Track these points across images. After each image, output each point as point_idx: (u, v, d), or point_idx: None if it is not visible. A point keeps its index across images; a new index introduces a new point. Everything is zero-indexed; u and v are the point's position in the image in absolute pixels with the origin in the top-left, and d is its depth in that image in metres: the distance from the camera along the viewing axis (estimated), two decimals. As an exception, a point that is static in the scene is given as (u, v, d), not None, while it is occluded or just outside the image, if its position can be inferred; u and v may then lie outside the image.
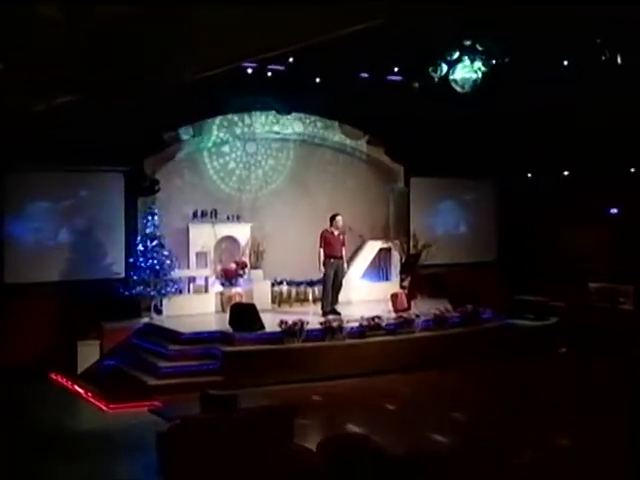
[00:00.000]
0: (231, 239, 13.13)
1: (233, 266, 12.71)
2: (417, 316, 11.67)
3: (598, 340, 12.26)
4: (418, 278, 13.00)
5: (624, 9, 8.93)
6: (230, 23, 5.57)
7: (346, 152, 14.57)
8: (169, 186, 12.84)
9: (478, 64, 11.10)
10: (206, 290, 12.66)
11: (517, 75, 11.72)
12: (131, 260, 11.87)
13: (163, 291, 11.82)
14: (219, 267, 12.84)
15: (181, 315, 11.85)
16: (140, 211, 12.29)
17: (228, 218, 13.12)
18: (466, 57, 11.06)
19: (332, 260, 12.02)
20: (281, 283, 13.26)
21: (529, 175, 15.62)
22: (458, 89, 11.22)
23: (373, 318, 11.18)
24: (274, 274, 13.17)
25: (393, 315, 11.72)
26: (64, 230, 12.01)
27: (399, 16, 6.64)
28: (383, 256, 14.34)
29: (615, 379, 10.20)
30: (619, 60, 10.68)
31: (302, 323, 10.62)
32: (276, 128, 13.65)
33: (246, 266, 12.81)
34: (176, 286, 12.09)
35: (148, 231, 11.83)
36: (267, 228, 13.34)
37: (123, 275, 12.09)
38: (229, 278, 12.62)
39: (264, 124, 13.54)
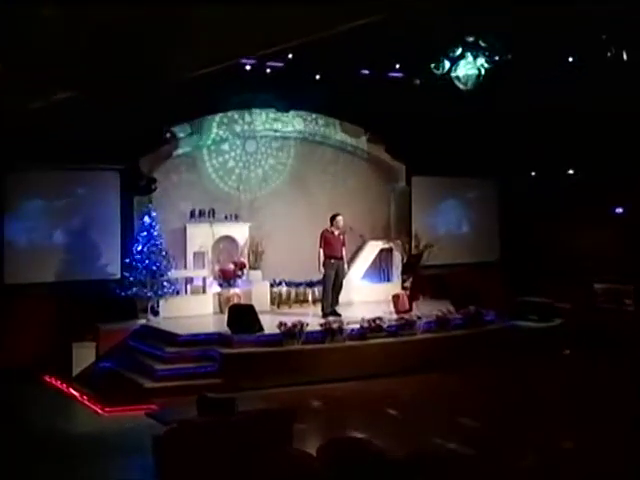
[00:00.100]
0: (229, 239, 13.13)
1: (231, 266, 12.70)
2: (419, 318, 11.66)
3: (603, 342, 12.25)
4: (420, 279, 13.00)
5: (629, 5, 8.93)
6: (229, 20, 5.58)
7: (346, 150, 14.57)
8: (166, 185, 12.83)
9: (481, 61, 11.08)
10: (204, 291, 12.66)
11: (521, 72, 11.70)
12: (127, 260, 11.86)
13: (160, 292, 11.80)
14: (217, 267, 12.83)
15: (178, 316, 11.84)
16: (136, 210, 12.29)
17: (226, 217, 13.12)
18: (469, 53, 11.04)
19: (332, 260, 12.02)
20: (280, 284, 13.25)
21: (533, 174, 15.62)
22: (460, 86, 11.20)
23: (374, 320, 11.17)
24: (273, 275, 13.16)
25: (394, 316, 11.72)
26: (59, 230, 12.01)
27: (400, 12, 6.64)
28: (384, 256, 14.35)
29: (620, 381, 10.21)
30: (625, 57, 10.67)
31: (302, 325, 10.61)
32: (276, 126, 13.65)
33: (244, 266, 12.80)
34: (173, 287, 12.08)
35: (145, 231, 11.81)
36: (266, 228, 13.33)
37: (119, 276, 12.09)
38: (227, 279, 12.62)
39: (264, 122, 13.54)
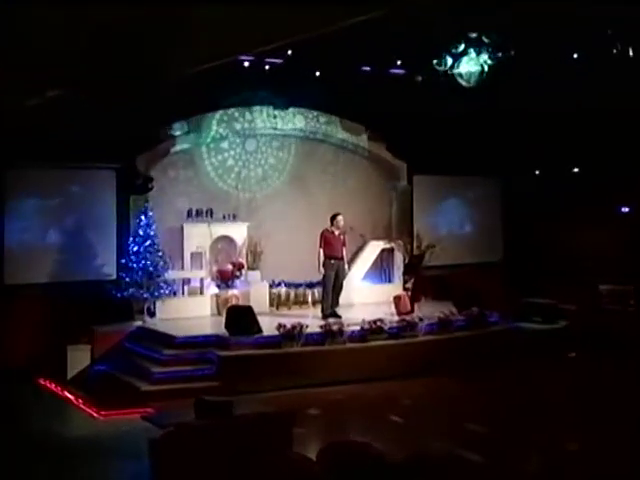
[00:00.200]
0: (227, 239, 13.14)
1: (229, 267, 12.71)
2: (421, 319, 11.67)
3: (609, 344, 12.26)
4: (422, 280, 13.00)
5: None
6: (228, 16, 5.59)
7: (347, 149, 14.59)
8: (163, 184, 12.84)
9: (484, 57, 11.09)
10: (201, 292, 12.66)
11: (524, 69, 11.71)
12: (123, 261, 11.87)
13: (156, 293, 11.81)
14: (215, 268, 12.84)
15: (175, 318, 11.85)
16: (132, 210, 12.29)
17: (224, 217, 13.12)
18: (471, 50, 11.05)
19: (332, 261, 12.03)
20: (279, 285, 13.26)
21: (537, 172, 15.63)
22: (463, 83, 11.22)
23: (375, 321, 11.18)
24: (272, 275, 13.17)
25: (396, 318, 11.72)
26: (53, 230, 12.02)
27: (401, 8, 6.65)
28: (385, 257, 14.36)
29: (626, 384, 10.21)
30: (631, 53, 10.68)
31: (301, 326, 10.62)
32: (277, 124, 13.65)
33: (243, 267, 12.81)
34: (170, 288, 12.09)
35: (141, 231, 11.81)
36: (265, 227, 13.34)
37: (115, 276, 12.09)
38: (225, 280, 12.63)
39: (265, 120, 13.54)
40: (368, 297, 13.63)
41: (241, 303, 12.16)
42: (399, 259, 13.95)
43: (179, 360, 10.30)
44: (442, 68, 11.19)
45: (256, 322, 10.82)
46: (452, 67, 11.12)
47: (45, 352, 11.16)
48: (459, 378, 10.73)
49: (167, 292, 11.98)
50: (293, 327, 10.59)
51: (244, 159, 13.71)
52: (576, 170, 15.09)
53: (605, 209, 14.51)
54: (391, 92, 12.85)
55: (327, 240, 12.07)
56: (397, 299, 12.45)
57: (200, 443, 6.06)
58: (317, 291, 13.07)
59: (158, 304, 11.94)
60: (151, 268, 11.68)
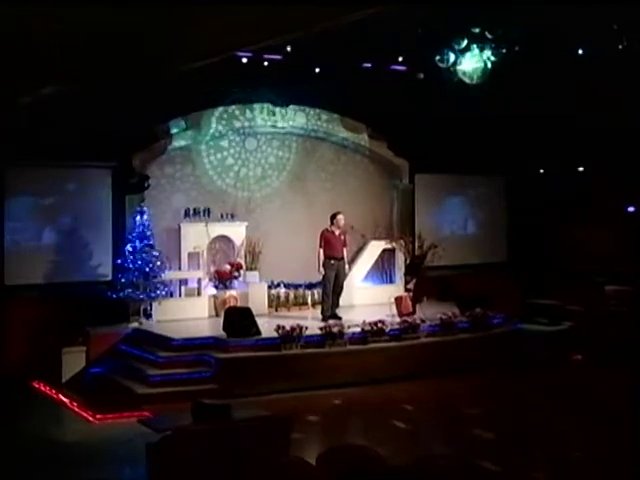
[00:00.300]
0: (225, 239, 13.14)
1: (227, 267, 12.71)
2: (423, 321, 11.67)
3: (615, 346, 12.25)
4: (424, 280, 13.00)
5: None
6: (225, 12, 5.59)
7: (348, 147, 14.60)
8: (159, 182, 12.85)
9: (487, 53, 11.09)
10: (199, 293, 12.66)
11: (528, 65, 11.72)
12: (119, 261, 11.87)
13: (153, 294, 11.81)
14: (212, 269, 12.85)
15: (172, 320, 11.85)
16: (128, 209, 12.29)
17: (222, 217, 13.13)
18: (474, 46, 11.05)
19: (333, 261, 12.03)
20: (278, 286, 13.26)
21: (541, 171, 15.62)
22: (466, 80, 11.21)
23: (376, 323, 11.18)
24: (271, 276, 13.16)
25: (397, 320, 11.71)
26: (47, 229, 12.02)
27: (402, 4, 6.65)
28: (387, 257, 14.36)
29: (632, 387, 10.21)
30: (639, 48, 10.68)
31: (300, 328, 10.62)
32: (278, 122, 13.64)
33: (241, 267, 12.81)
34: (167, 289, 12.10)
35: (137, 230, 11.81)
36: (264, 227, 13.34)
37: (110, 277, 12.10)
38: (223, 280, 12.63)
39: (266, 119, 13.54)
40: (369, 298, 13.63)
41: (239, 304, 12.16)
42: (400, 259, 13.96)
43: (176, 362, 10.30)
44: (444, 65, 11.18)
45: (255, 324, 10.82)
46: (455, 64, 11.12)
47: (39, 354, 11.16)
48: (461, 381, 10.73)
49: (164, 293, 11.98)
50: (292, 329, 10.59)
51: (244, 158, 13.71)
52: (581, 169, 15.08)
53: (611, 209, 14.51)
54: (392, 89, 12.86)
55: (327, 240, 12.06)
56: (398, 300, 12.44)
57: (198, 448, 6.06)
58: (317, 292, 13.07)
59: (155, 305, 11.95)
60: (147, 268, 11.67)
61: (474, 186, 16.04)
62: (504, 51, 11.16)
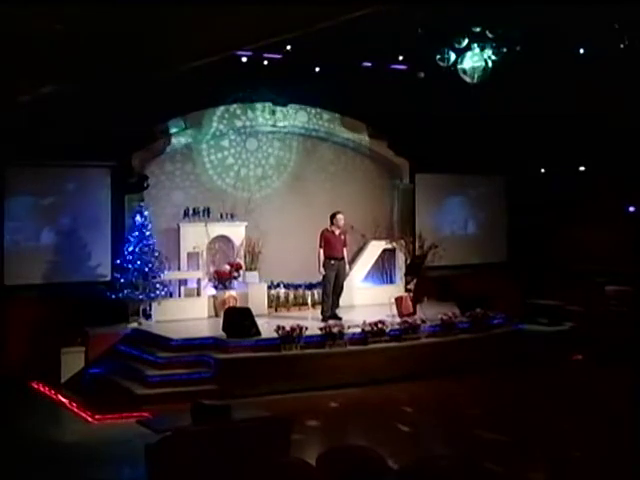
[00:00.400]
0: (225, 239, 13.14)
1: (227, 268, 12.71)
2: (423, 321, 11.68)
3: (615, 346, 12.26)
4: (424, 280, 13.00)
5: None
6: (224, 11, 5.61)
7: (348, 146, 14.60)
8: (159, 182, 12.86)
9: (488, 52, 11.09)
10: (198, 293, 12.67)
11: (529, 65, 11.72)
12: (118, 261, 11.87)
13: (152, 294, 11.81)
14: (212, 269, 12.85)
15: (171, 320, 11.86)
16: (127, 209, 12.30)
17: (222, 217, 13.12)
18: (475, 45, 11.06)
19: (333, 261, 12.03)
20: (278, 286, 13.26)
21: (542, 171, 15.63)
22: (467, 79, 11.22)
23: (376, 323, 11.18)
24: (271, 276, 13.17)
25: (397, 320, 11.72)
26: (46, 229, 12.02)
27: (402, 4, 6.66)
28: (387, 257, 14.37)
29: (632, 387, 10.22)
30: None
31: (300, 329, 10.62)
32: (277, 121, 13.64)
33: (241, 268, 12.82)
34: (166, 289, 12.10)
35: (136, 230, 11.81)
36: (263, 227, 13.32)
37: (109, 277, 12.10)
38: (223, 280, 12.63)
39: (267, 118, 13.54)
40: (369, 298, 13.63)
41: (239, 305, 12.17)
42: (401, 259, 13.97)
43: (175, 363, 10.31)
44: (445, 64, 11.19)
45: (254, 324, 10.83)
46: (455, 63, 11.12)
47: (38, 354, 11.17)
48: (462, 381, 10.74)
49: (163, 293, 11.98)
50: (292, 329, 10.59)
51: (244, 158, 13.72)
52: (582, 169, 15.09)
53: (611, 209, 14.51)
54: (393, 89, 12.86)
55: (327, 240, 12.06)
56: (399, 300, 12.44)
57: (197, 448, 6.07)
58: (317, 292, 13.08)
59: (154, 305, 11.96)
60: (147, 269, 11.68)
61: (474, 186, 16.04)
62: (505, 50, 11.16)
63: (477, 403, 9.94)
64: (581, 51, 11.49)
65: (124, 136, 11.73)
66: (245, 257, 13.01)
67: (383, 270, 14.46)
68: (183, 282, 12.70)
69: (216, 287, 12.65)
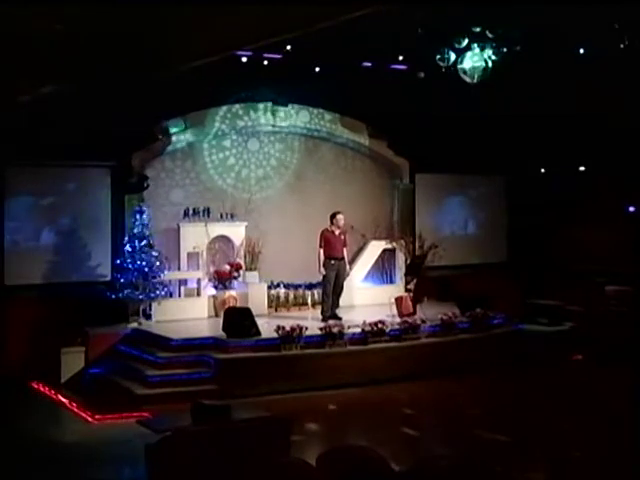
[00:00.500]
0: (225, 239, 13.14)
1: (227, 268, 12.71)
2: (423, 321, 11.68)
3: (615, 346, 12.26)
4: (424, 280, 13.00)
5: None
6: (223, 11, 5.61)
7: (348, 146, 14.60)
8: (159, 182, 12.85)
9: (488, 52, 11.09)
10: (198, 293, 12.67)
11: (529, 65, 11.72)
12: (118, 261, 11.87)
13: (152, 294, 11.81)
14: (212, 269, 12.85)
15: (171, 320, 11.86)
16: (127, 209, 12.29)
17: (222, 217, 13.12)
18: (475, 45, 11.05)
19: (333, 261, 12.03)
20: (278, 286, 13.26)
21: (542, 171, 15.63)
22: (466, 79, 11.22)
23: (376, 323, 11.18)
24: (271, 276, 13.17)
25: (397, 320, 11.72)
26: (46, 229, 12.02)
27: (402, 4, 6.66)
28: (387, 257, 14.37)
29: (632, 387, 10.22)
30: None
31: (300, 329, 10.62)
32: (282, 121, 13.63)
33: (241, 268, 12.81)
34: (166, 289, 12.10)
35: (136, 230, 11.81)
36: (263, 227, 13.34)
37: (109, 277, 12.10)
38: (223, 280, 12.63)
39: (269, 118, 13.53)
40: (369, 298, 13.63)
41: (239, 305, 12.17)
42: (401, 259, 13.97)
43: (175, 363, 10.31)
44: (445, 64, 11.19)
45: (254, 324, 10.83)
46: (455, 63, 11.12)
47: (38, 354, 11.16)
48: (462, 381, 10.74)
49: (163, 293, 11.98)
50: (292, 329, 10.59)
51: (245, 158, 13.71)
52: (582, 169, 15.09)
53: (611, 209, 14.51)
54: (393, 89, 12.86)
55: (327, 240, 12.06)
56: (399, 300, 12.45)
57: (197, 448, 6.07)
58: (317, 292, 13.08)
59: (154, 305, 11.96)
60: (146, 269, 11.68)
61: (474, 186, 16.04)
62: (505, 50, 11.16)
63: (477, 403, 9.94)
64: (581, 51, 11.49)
65: (124, 136, 11.73)
66: (245, 257, 13.01)
67: (383, 270, 14.46)
68: (183, 282, 12.70)
69: (216, 287, 12.65)
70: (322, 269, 12.00)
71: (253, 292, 12.70)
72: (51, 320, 11.36)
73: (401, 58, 12.71)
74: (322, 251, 11.99)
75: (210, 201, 13.14)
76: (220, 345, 10.54)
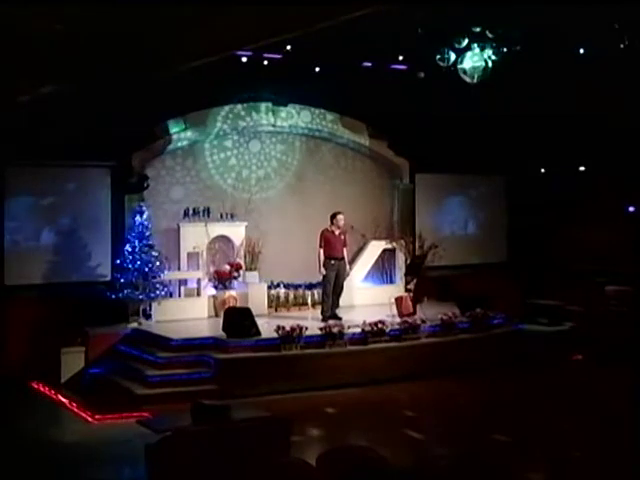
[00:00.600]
0: (225, 239, 13.14)
1: (227, 268, 12.71)
2: (423, 321, 11.68)
3: (615, 346, 12.26)
4: (424, 280, 13.00)
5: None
6: (225, 12, 5.61)
7: (348, 146, 14.60)
8: (159, 182, 12.85)
9: (488, 52, 11.09)
10: (198, 293, 12.67)
11: (529, 65, 11.72)
12: (118, 261, 11.87)
13: (152, 294, 11.81)
14: (212, 269, 12.85)
15: (171, 320, 11.86)
16: (127, 209, 12.30)
17: (222, 217, 13.12)
18: (475, 45, 11.06)
19: (333, 261, 12.03)
20: (278, 286, 13.26)
21: (542, 171, 15.63)
22: (467, 79, 11.22)
23: (376, 323, 11.18)
24: (271, 276, 13.16)
25: (397, 320, 11.72)
26: (46, 229, 12.02)
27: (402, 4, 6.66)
28: (387, 257, 14.37)
29: (632, 387, 10.22)
30: None
31: (300, 329, 10.62)
32: (283, 121, 13.63)
33: (241, 268, 12.81)
34: (166, 289, 12.10)
35: (136, 230, 11.81)
36: (263, 227, 13.34)
37: (109, 277, 12.10)
38: (223, 280, 12.63)
39: (271, 118, 13.53)
40: (369, 298, 13.63)
41: (239, 305, 12.17)
42: (401, 259, 13.97)
43: (175, 363, 10.31)
44: (445, 64, 11.19)
45: (254, 324, 10.83)
46: (455, 63, 11.12)
47: (38, 354, 11.16)
48: (462, 381, 10.74)
49: (163, 293, 11.98)
50: (292, 329, 10.59)
51: (246, 159, 13.71)
52: (582, 169, 15.09)
53: (611, 209, 14.51)
54: (393, 89, 12.86)
55: (327, 240, 12.06)
56: (399, 300, 12.44)
57: (197, 448, 6.07)
58: (317, 292, 13.07)
59: (154, 305, 11.95)
60: (147, 269, 11.68)
61: (474, 186, 16.04)
62: (505, 50, 11.16)
63: (477, 403, 9.93)
64: (581, 51, 11.50)
65: (124, 136, 11.73)
66: (245, 257, 13.01)
67: (383, 270, 14.46)
68: (183, 282, 12.70)
69: (216, 287, 12.65)
70: (322, 269, 12.00)
71: (253, 292, 12.70)
72: (51, 320, 11.36)
73: (401, 58, 12.71)
74: (322, 251, 11.99)
75: (210, 201, 13.14)
76: (220, 345, 10.54)
